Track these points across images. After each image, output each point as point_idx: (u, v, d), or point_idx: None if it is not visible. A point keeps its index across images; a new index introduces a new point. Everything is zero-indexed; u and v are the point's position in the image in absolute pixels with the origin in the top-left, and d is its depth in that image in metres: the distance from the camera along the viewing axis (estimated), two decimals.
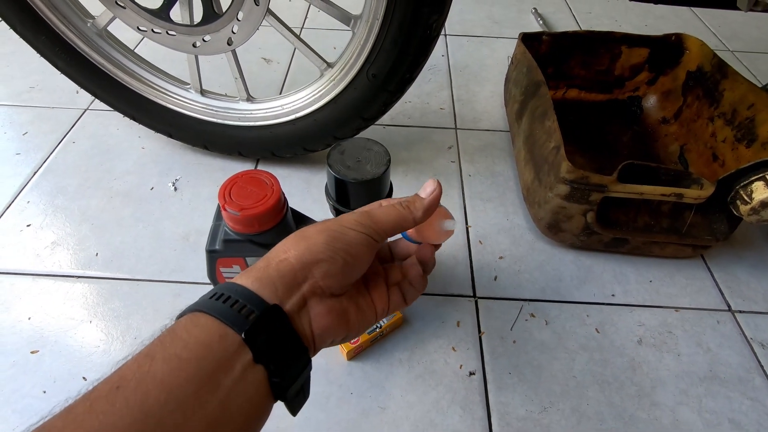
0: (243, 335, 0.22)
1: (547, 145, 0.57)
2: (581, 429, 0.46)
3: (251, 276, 0.25)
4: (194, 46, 0.57)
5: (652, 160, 0.70)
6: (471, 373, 0.50)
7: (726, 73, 0.65)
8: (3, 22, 0.60)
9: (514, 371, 0.50)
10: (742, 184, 0.51)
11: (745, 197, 0.50)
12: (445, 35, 1.03)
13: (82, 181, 0.68)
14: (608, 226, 0.56)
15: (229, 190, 0.37)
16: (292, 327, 0.24)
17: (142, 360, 0.21)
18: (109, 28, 0.61)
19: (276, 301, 0.24)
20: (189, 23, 0.56)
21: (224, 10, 0.54)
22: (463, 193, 0.68)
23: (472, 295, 0.56)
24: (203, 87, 0.65)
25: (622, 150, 0.73)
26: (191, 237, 0.61)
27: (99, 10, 0.58)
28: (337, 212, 0.44)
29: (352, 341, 0.49)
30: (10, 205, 0.64)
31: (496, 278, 0.58)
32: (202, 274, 0.56)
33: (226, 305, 0.23)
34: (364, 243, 0.27)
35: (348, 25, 0.55)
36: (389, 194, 0.44)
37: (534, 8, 1.12)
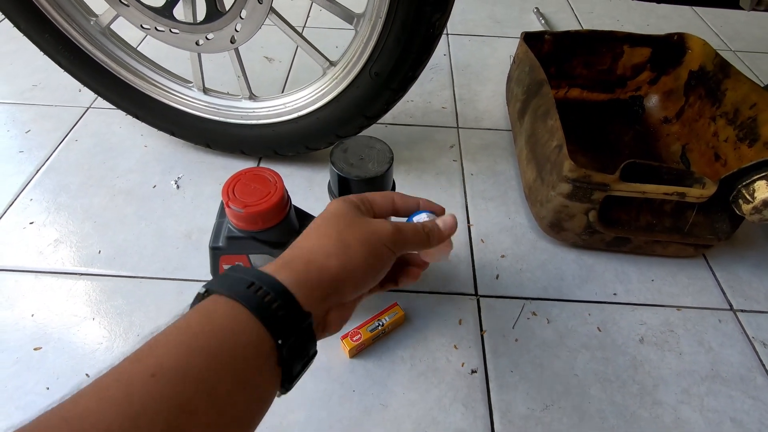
0: (278, 341, 0.23)
1: (549, 144, 0.57)
2: (583, 427, 0.46)
3: (292, 274, 0.25)
4: (197, 44, 0.57)
5: (654, 160, 0.70)
6: (473, 371, 0.50)
7: (728, 73, 0.65)
8: (6, 20, 0.60)
9: (516, 369, 0.50)
10: (744, 183, 0.51)
11: (747, 196, 0.50)
12: (447, 34, 1.03)
13: (85, 179, 0.68)
14: (610, 225, 0.56)
15: (232, 188, 0.37)
16: (314, 334, 0.25)
17: (181, 350, 0.21)
18: (112, 27, 0.62)
19: (308, 308, 0.24)
20: (192, 21, 0.56)
21: (227, 9, 0.54)
22: (465, 192, 0.68)
23: (474, 293, 0.57)
24: (206, 85, 0.65)
25: (623, 150, 0.73)
26: (193, 235, 0.61)
27: (102, 8, 0.58)
28: None
29: (354, 339, 0.49)
30: (13, 202, 0.64)
31: (497, 277, 0.58)
32: (205, 272, 0.56)
33: (268, 306, 0.23)
34: (391, 261, 0.30)
35: (351, 24, 0.55)
36: None
37: (536, 8, 1.12)
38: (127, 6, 0.55)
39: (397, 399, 0.47)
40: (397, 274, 0.35)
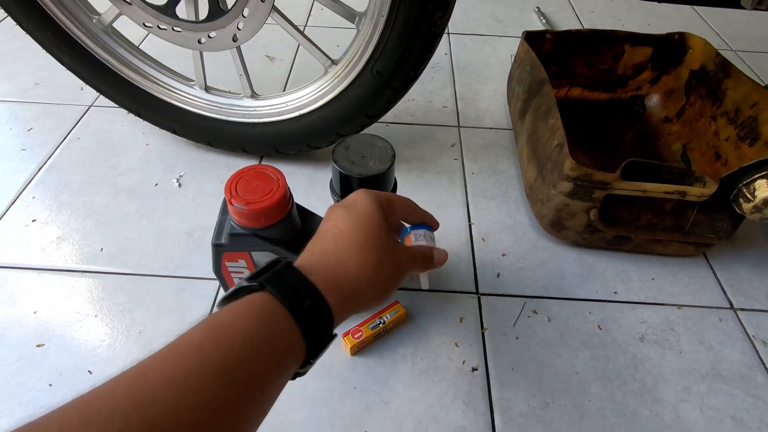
0: (307, 345, 0.26)
1: (550, 142, 0.57)
2: (583, 425, 0.46)
3: (329, 279, 0.28)
4: (199, 42, 0.57)
5: (655, 159, 0.71)
6: (474, 369, 0.50)
7: (729, 72, 0.65)
8: (9, 18, 0.61)
9: (517, 367, 0.50)
10: (744, 182, 0.51)
11: (748, 195, 0.51)
12: (448, 34, 1.03)
13: (87, 177, 0.68)
14: (611, 223, 0.56)
15: (235, 185, 0.37)
16: (332, 334, 0.28)
17: (225, 343, 0.23)
18: (114, 25, 0.62)
19: (335, 315, 0.27)
20: (194, 20, 0.56)
21: (230, 7, 0.54)
22: (466, 191, 0.68)
23: (474, 291, 0.57)
24: (207, 83, 0.65)
25: (624, 149, 0.73)
26: (195, 233, 0.61)
27: (105, 6, 0.59)
28: None
29: (355, 336, 0.49)
30: (15, 200, 0.64)
31: (498, 275, 0.58)
32: (206, 270, 0.57)
33: (308, 313, 0.26)
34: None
35: (352, 22, 0.55)
36: (393, 190, 0.45)
37: (537, 7, 1.12)
38: (130, 4, 0.55)
39: (398, 396, 0.48)
40: None
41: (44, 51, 0.63)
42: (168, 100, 0.66)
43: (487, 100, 0.86)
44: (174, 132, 0.69)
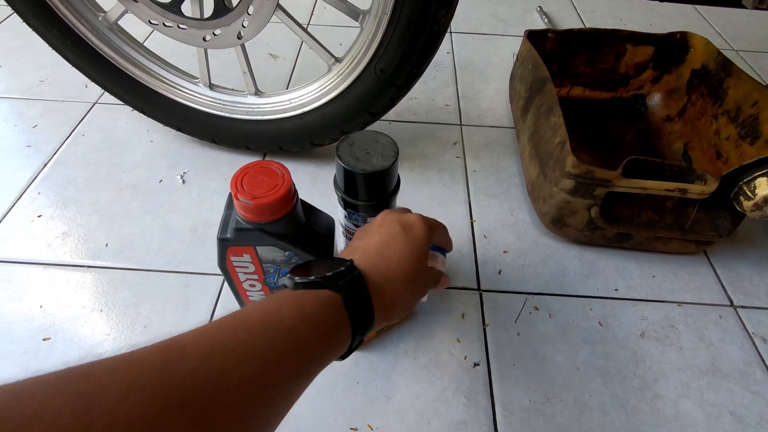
0: (348, 348, 0.30)
1: (552, 140, 0.58)
2: (584, 420, 0.47)
3: (375, 294, 0.31)
4: (204, 39, 0.58)
5: (656, 158, 0.71)
6: (475, 364, 0.50)
7: (730, 71, 0.65)
8: (14, 16, 0.61)
9: (518, 363, 0.51)
10: (745, 180, 0.51)
11: (748, 193, 0.51)
12: (451, 33, 1.04)
13: (92, 173, 0.68)
14: (612, 221, 0.57)
15: (241, 180, 0.37)
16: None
17: (309, 321, 0.26)
18: (119, 22, 0.62)
19: (374, 325, 0.31)
20: (200, 17, 0.57)
21: (234, 5, 0.54)
22: (468, 189, 0.69)
23: (476, 288, 0.57)
24: (212, 81, 0.65)
25: (626, 148, 0.74)
26: (199, 229, 0.62)
27: (110, 4, 0.59)
28: (345, 203, 0.44)
29: None
30: (21, 196, 0.65)
31: (500, 272, 0.59)
32: (211, 265, 0.57)
33: (362, 324, 0.30)
34: None
35: (356, 20, 0.56)
36: (397, 187, 0.45)
37: (539, 6, 1.12)
38: (136, 2, 0.56)
39: (400, 391, 0.48)
40: None
41: (50, 48, 0.64)
42: (172, 97, 0.66)
43: (488, 99, 0.86)
44: (178, 129, 0.70)
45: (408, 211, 0.40)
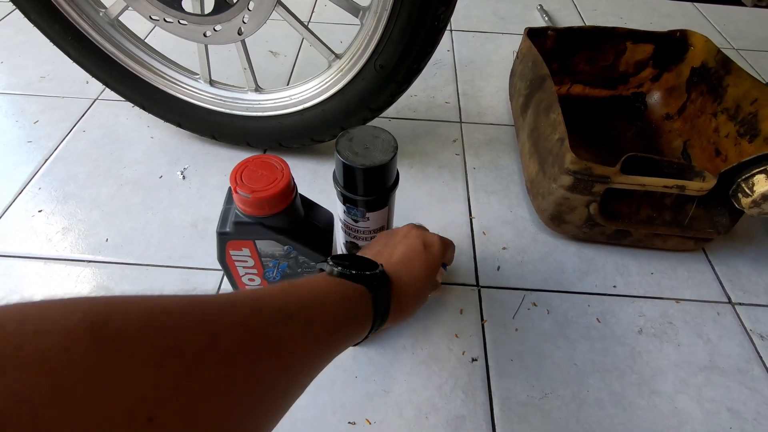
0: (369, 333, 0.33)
1: (551, 137, 0.58)
2: (581, 415, 0.47)
3: (396, 291, 0.35)
4: (205, 35, 0.58)
5: (655, 155, 0.71)
6: (473, 360, 0.50)
7: (730, 69, 0.65)
8: (16, 12, 0.61)
9: (516, 358, 0.51)
10: (743, 177, 0.51)
11: (747, 190, 0.51)
12: (451, 31, 1.04)
13: (93, 169, 0.69)
14: (611, 218, 0.57)
15: (240, 174, 0.38)
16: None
17: (344, 304, 0.30)
18: (120, 18, 0.62)
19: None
20: (200, 13, 0.57)
21: (235, 1, 0.54)
22: (467, 186, 0.69)
23: (475, 284, 0.57)
24: (212, 77, 0.66)
25: (625, 146, 0.74)
26: (199, 224, 0.62)
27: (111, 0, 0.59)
28: (344, 198, 0.45)
29: None
30: (21, 191, 0.65)
31: (499, 268, 0.59)
32: (210, 260, 0.57)
33: (380, 318, 0.34)
34: None
35: (356, 16, 0.56)
36: (395, 182, 0.45)
37: (539, 5, 1.12)
38: None
39: (398, 386, 0.48)
40: None
41: (51, 44, 0.64)
42: (173, 93, 0.66)
43: (488, 97, 0.86)
44: (178, 125, 0.70)
45: (425, 229, 0.46)
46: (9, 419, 0.13)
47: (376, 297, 0.33)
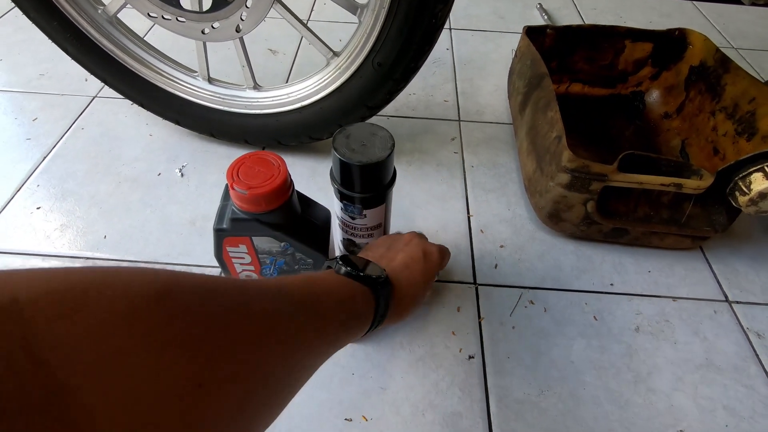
0: (375, 321, 0.36)
1: (549, 135, 0.58)
2: (578, 412, 0.47)
3: (395, 296, 0.38)
4: (203, 33, 0.58)
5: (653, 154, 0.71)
6: (470, 357, 0.51)
7: (728, 68, 0.65)
8: (15, 10, 0.61)
9: (513, 356, 0.51)
10: (740, 175, 0.52)
11: (744, 188, 0.51)
12: (450, 29, 1.04)
13: (91, 166, 0.69)
14: (608, 216, 0.57)
15: (237, 170, 0.38)
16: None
17: (348, 304, 0.32)
18: (119, 16, 0.62)
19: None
20: (198, 10, 0.57)
21: None
22: (465, 184, 0.69)
23: (472, 282, 0.57)
24: (211, 75, 0.66)
25: (624, 144, 0.74)
26: (197, 222, 0.62)
27: None
28: (341, 195, 0.45)
29: None
30: (20, 188, 0.65)
31: (496, 266, 0.59)
32: (208, 258, 0.57)
33: (383, 296, 0.36)
34: None
35: (354, 14, 0.56)
36: (392, 179, 0.45)
37: (539, 4, 1.12)
38: None
39: (395, 382, 0.48)
40: None
41: (50, 42, 0.64)
42: (171, 90, 0.67)
43: (487, 95, 0.86)
44: (177, 123, 0.70)
45: (425, 238, 0.48)
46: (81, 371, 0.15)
47: (378, 299, 0.35)
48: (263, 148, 0.72)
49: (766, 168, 0.50)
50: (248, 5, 0.54)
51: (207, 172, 0.69)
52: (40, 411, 0.13)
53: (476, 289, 0.57)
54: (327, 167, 0.69)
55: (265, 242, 0.41)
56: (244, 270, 0.45)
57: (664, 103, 0.76)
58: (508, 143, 0.76)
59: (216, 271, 0.56)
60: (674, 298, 0.57)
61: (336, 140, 0.42)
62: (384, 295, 0.36)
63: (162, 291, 0.18)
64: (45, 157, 0.69)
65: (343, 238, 0.51)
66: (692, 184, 0.52)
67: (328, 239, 0.44)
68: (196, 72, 0.66)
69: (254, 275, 0.45)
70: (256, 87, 0.65)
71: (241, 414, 0.20)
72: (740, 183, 0.52)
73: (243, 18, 0.56)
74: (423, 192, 0.68)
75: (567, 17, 1.10)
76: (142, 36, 0.66)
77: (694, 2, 1.18)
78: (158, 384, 0.16)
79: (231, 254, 0.43)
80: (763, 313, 0.56)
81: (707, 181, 0.52)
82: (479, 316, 0.54)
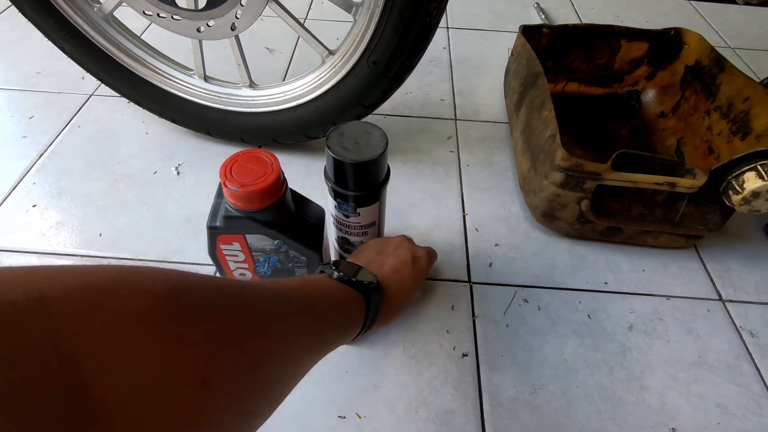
0: (365, 324, 0.37)
1: (543, 134, 0.58)
2: (571, 410, 0.47)
3: (386, 300, 0.40)
4: (198, 31, 0.58)
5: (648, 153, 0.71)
6: (464, 355, 0.51)
7: (723, 67, 0.65)
8: (11, 8, 0.61)
9: (507, 354, 0.51)
10: (734, 174, 0.52)
11: (737, 187, 0.51)
12: (447, 28, 1.04)
13: (87, 164, 0.69)
14: (602, 215, 0.57)
15: (230, 168, 0.38)
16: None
17: (339, 308, 0.34)
18: (115, 15, 0.62)
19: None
20: (194, 8, 0.57)
21: None
22: (461, 182, 0.69)
23: (467, 280, 0.58)
24: (207, 73, 0.66)
25: (620, 144, 0.74)
26: (193, 220, 0.62)
27: None
28: (335, 193, 0.45)
29: None
30: (16, 186, 0.65)
31: (491, 265, 0.59)
32: (203, 256, 0.57)
33: (374, 301, 0.37)
34: None
35: (350, 13, 0.56)
36: (386, 178, 0.45)
37: (536, 3, 1.12)
38: None
39: (389, 380, 0.49)
40: None
41: (46, 39, 0.64)
42: (167, 89, 0.67)
43: (484, 94, 0.86)
44: (173, 121, 0.70)
45: (413, 241, 0.49)
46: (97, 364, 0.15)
47: (369, 304, 0.37)
48: (259, 147, 0.72)
49: (759, 167, 0.50)
50: (243, 3, 0.54)
51: (203, 171, 0.69)
52: (64, 403, 0.14)
53: (471, 287, 0.57)
54: (322, 165, 0.69)
55: (258, 240, 0.41)
56: (238, 268, 0.45)
57: (659, 103, 0.77)
58: (504, 142, 0.77)
59: (211, 269, 0.56)
60: (668, 297, 0.57)
61: (330, 138, 0.42)
62: (375, 300, 0.37)
63: (172, 290, 0.19)
64: (41, 155, 0.70)
65: (338, 237, 0.51)
66: (686, 183, 0.52)
67: (322, 237, 0.44)
68: (192, 70, 0.66)
69: (248, 273, 0.45)
70: (252, 85, 0.65)
71: (240, 409, 0.21)
72: (733, 182, 0.52)
73: (238, 16, 0.56)
74: (418, 190, 0.68)
75: (564, 16, 1.10)
76: (138, 34, 0.66)
77: (691, 2, 1.19)
78: (169, 378, 0.17)
79: (225, 252, 0.43)
80: (756, 311, 0.56)
81: (700, 180, 0.52)
82: (473, 315, 0.54)
